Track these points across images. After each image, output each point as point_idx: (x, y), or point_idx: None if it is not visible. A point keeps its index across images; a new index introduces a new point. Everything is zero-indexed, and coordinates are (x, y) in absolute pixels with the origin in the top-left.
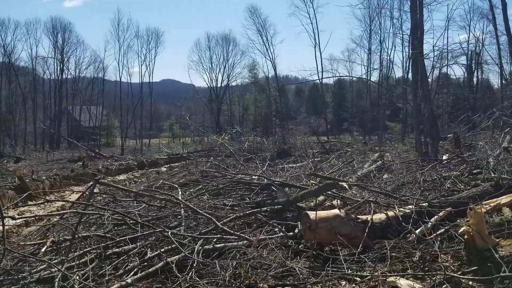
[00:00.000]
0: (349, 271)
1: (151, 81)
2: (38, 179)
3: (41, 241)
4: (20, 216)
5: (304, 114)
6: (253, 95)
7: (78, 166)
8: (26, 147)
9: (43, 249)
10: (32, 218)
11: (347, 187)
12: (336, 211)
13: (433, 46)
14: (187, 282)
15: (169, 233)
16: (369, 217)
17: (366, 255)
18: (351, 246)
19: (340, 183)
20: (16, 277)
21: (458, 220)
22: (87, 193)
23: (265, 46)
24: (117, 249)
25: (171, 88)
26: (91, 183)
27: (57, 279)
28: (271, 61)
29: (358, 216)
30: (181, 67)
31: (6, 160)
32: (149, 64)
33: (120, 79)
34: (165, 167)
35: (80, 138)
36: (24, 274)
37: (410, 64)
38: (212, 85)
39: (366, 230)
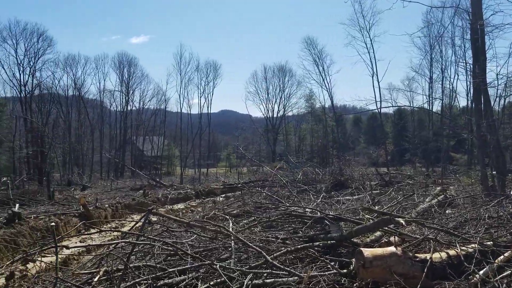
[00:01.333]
0: None
1: (209, 112)
2: (101, 207)
3: (94, 270)
4: (74, 245)
5: (363, 145)
6: (310, 125)
7: (139, 195)
8: (92, 175)
9: (95, 279)
10: (94, 246)
11: (404, 223)
12: (392, 248)
13: (497, 74)
14: None
15: (218, 266)
16: (428, 255)
17: None
18: (408, 287)
19: (396, 218)
20: None
21: None
22: (141, 222)
23: (321, 76)
24: (167, 280)
25: (229, 118)
26: (144, 213)
27: None
28: (327, 91)
29: (416, 255)
30: (238, 97)
31: (73, 188)
32: (207, 96)
33: (181, 110)
34: (221, 197)
35: (143, 167)
36: None
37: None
38: (268, 116)
39: (425, 270)
